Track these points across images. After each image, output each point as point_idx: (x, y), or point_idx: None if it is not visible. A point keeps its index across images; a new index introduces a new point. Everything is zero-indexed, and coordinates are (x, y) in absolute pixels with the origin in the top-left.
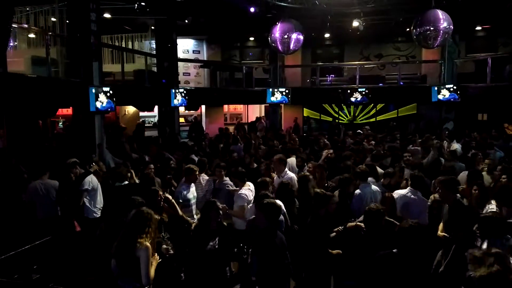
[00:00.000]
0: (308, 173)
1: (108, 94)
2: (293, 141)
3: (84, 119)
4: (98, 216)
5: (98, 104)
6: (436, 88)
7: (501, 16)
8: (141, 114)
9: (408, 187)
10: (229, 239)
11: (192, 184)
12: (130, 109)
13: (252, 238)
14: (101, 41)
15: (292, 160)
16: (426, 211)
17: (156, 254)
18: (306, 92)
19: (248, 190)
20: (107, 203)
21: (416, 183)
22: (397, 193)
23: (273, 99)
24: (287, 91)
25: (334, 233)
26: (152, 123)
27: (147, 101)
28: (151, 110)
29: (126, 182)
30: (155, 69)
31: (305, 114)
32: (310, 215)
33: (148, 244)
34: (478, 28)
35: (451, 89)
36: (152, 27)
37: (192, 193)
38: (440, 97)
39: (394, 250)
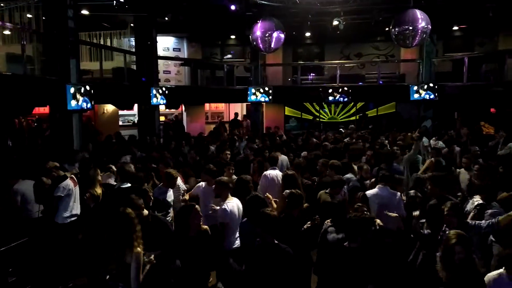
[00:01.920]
0: (293, 172)
1: (86, 92)
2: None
3: (61, 118)
4: (67, 222)
5: (75, 103)
6: (414, 87)
7: (477, 17)
8: (121, 112)
9: (377, 185)
10: (210, 246)
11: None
12: (109, 108)
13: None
14: (79, 38)
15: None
16: (400, 203)
17: (152, 257)
18: (288, 91)
19: (232, 204)
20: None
21: (385, 179)
22: (369, 193)
23: (254, 97)
24: (268, 89)
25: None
26: (132, 122)
27: (127, 100)
28: (131, 108)
29: (128, 185)
30: (134, 67)
31: (286, 113)
32: (283, 215)
33: (139, 249)
34: (455, 28)
35: (429, 88)
36: (132, 24)
37: (169, 197)
38: (418, 96)
39: (345, 244)
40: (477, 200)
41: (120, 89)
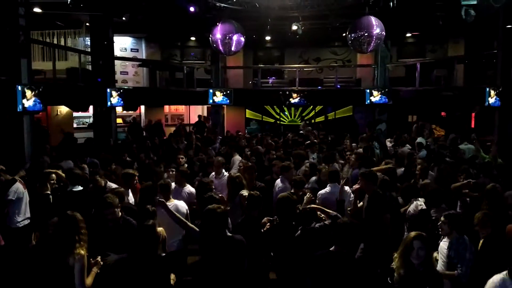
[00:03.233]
0: (239, 174)
1: (38, 93)
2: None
3: (11, 120)
4: (21, 226)
5: (26, 104)
6: (369, 91)
7: (428, 25)
8: (75, 114)
9: (328, 184)
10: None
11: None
12: (63, 109)
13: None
14: (30, 37)
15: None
16: (349, 198)
17: (99, 259)
18: (248, 94)
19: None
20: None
21: (333, 177)
22: (321, 193)
23: (215, 100)
24: (229, 92)
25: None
26: (87, 124)
27: (81, 101)
28: (86, 110)
29: (79, 188)
30: (90, 67)
31: (247, 116)
32: (244, 216)
33: (82, 251)
34: (408, 35)
35: (383, 92)
36: (87, 24)
37: (130, 199)
38: (373, 99)
39: (331, 249)
40: (420, 203)
41: (74, 90)
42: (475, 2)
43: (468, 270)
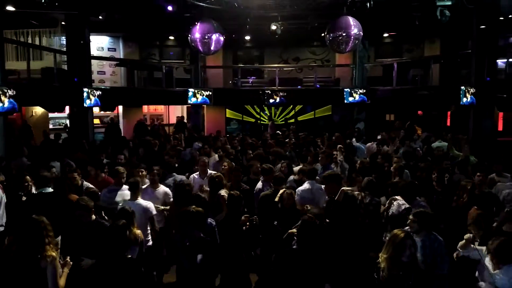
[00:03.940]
0: (219, 174)
1: (12, 94)
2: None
3: None
4: (2, 230)
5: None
6: (348, 91)
7: (405, 25)
8: (51, 115)
9: (307, 181)
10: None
11: (124, 187)
12: (38, 110)
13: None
14: (3, 36)
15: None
16: (325, 196)
17: (68, 259)
18: (228, 93)
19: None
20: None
21: (311, 175)
22: (299, 189)
23: (194, 100)
24: (209, 92)
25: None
26: (64, 124)
27: (57, 102)
28: (62, 111)
29: (50, 190)
30: (65, 67)
31: (227, 115)
32: (225, 216)
33: (53, 253)
34: (386, 35)
35: (361, 92)
36: (63, 22)
37: (120, 196)
38: (352, 99)
39: (294, 247)
40: (402, 203)
41: (49, 91)
42: (449, 3)
43: (448, 264)
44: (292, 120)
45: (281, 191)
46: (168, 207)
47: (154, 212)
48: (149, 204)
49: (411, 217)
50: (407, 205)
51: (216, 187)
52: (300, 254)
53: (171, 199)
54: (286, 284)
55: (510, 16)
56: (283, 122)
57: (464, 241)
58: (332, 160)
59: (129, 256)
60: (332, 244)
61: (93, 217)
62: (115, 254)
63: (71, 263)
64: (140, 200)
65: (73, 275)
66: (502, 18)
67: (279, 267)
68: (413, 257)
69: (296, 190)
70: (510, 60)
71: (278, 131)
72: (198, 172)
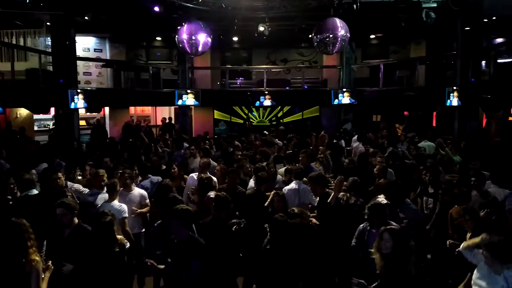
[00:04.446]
0: (209, 175)
1: None
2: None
3: None
4: None
5: None
6: (335, 92)
7: (391, 27)
8: (36, 117)
9: (294, 180)
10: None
11: (105, 191)
12: (23, 112)
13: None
14: None
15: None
16: (311, 196)
17: (50, 264)
18: (216, 95)
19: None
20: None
21: (298, 176)
22: (286, 189)
23: (182, 101)
24: (196, 93)
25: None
26: (49, 126)
27: (42, 103)
28: (47, 112)
29: (35, 192)
30: (51, 68)
31: (215, 116)
32: (211, 218)
33: (37, 257)
34: (372, 36)
35: (349, 93)
36: (48, 23)
37: (101, 199)
38: (339, 100)
39: (268, 247)
40: (382, 199)
41: (34, 92)
42: (435, 5)
43: None
44: (275, 122)
45: (271, 194)
46: (145, 210)
47: (126, 214)
48: (122, 206)
49: (366, 211)
50: (385, 201)
51: (206, 189)
52: (273, 254)
53: (147, 201)
54: (263, 284)
55: (494, 18)
56: (269, 124)
57: (470, 242)
58: (313, 160)
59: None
60: (320, 245)
61: (76, 220)
62: (104, 250)
63: (53, 267)
64: (115, 202)
65: (53, 280)
66: (486, 20)
67: (255, 267)
68: (393, 249)
69: (283, 189)
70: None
71: (265, 131)
72: (197, 173)
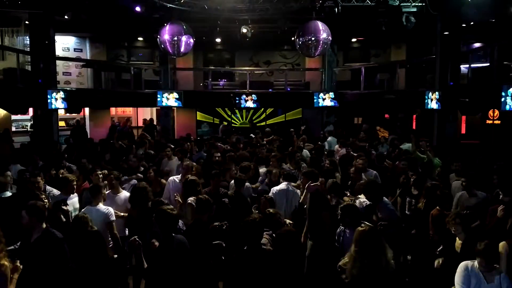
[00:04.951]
0: (195, 177)
1: None
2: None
3: None
4: None
5: None
6: (318, 94)
7: (372, 30)
8: (14, 117)
9: (283, 182)
10: None
11: (73, 196)
12: (0, 112)
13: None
14: None
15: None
16: (298, 198)
17: (18, 264)
18: (199, 96)
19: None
20: None
21: (288, 178)
22: (275, 188)
23: (164, 102)
24: (179, 94)
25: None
26: (27, 127)
27: (20, 103)
28: (25, 113)
29: (9, 194)
30: (29, 68)
31: (198, 118)
32: (193, 221)
33: (6, 262)
34: (354, 40)
35: (331, 95)
36: (26, 22)
37: (72, 204)
38: (321, 102)
39: (245, 248)
40: (363, 200)
41: (12, 92)
42: (415, 10)
43: None
44: (262, 123)
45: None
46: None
47: (113, 218)
48: (109, 210)
49: (338, 211)
50: (368, 202)
51: (191, 191)
52: (247, 256)
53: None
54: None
55: (472, 23)
56: (249, 126)
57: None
58: (285, 162)
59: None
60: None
61: (44, 225)
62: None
63: (21, 267)
64: (101, 206)
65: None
66: (464, 25)
67: (232, 270)
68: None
69: (271, 189)
70: (472, 65)
71: (251, 134)
72: (179, 176)
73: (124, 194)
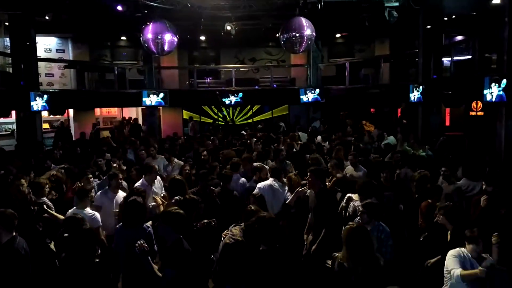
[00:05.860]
0: (181, 177)
1: None
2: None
3: None
4: None
5: None
6: (303, 90)
7: (356, 26)
8: None
9: (270, 178)
10: None
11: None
12: None
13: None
14: None
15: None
16: (286, 194)
17: None
18: (185, 94)
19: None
20: None
21: (275, 174)
22: (262, 183)
23: (149, 101)
24: (164, 93)
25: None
26: (10, 130)
27: (2, 106)
28: (7, 116)
29: None
30: (10, 69)
31: (185, 116)
32: None
33: None
34: (338, 35)
35: (316, 91)
36: (6, 23)
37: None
38: (307, 98)
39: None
40: (358, 204)
41: None
42: (397, 4)
43: (393, 253)
44: (250, 121)
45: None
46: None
47: (100, 223)
48: (95, 215)
49: (361, 208)
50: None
51: (176, 191)
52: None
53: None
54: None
55: (453, 16)
56: (231, 124)
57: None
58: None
59: None
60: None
61: (13, 233)
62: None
63: None
64: (87, 210)
65: None
66: (446, 19)
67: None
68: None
69: (257, 185)
70: (455, 58)
71: (242, 131)
72: (145, 179)
73: (122, 194)
